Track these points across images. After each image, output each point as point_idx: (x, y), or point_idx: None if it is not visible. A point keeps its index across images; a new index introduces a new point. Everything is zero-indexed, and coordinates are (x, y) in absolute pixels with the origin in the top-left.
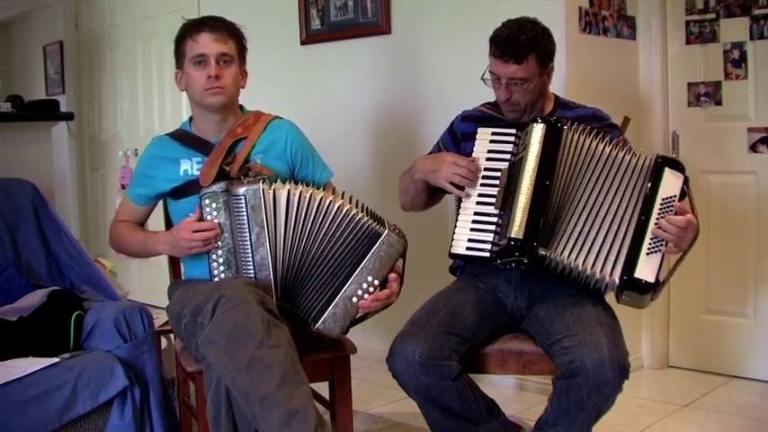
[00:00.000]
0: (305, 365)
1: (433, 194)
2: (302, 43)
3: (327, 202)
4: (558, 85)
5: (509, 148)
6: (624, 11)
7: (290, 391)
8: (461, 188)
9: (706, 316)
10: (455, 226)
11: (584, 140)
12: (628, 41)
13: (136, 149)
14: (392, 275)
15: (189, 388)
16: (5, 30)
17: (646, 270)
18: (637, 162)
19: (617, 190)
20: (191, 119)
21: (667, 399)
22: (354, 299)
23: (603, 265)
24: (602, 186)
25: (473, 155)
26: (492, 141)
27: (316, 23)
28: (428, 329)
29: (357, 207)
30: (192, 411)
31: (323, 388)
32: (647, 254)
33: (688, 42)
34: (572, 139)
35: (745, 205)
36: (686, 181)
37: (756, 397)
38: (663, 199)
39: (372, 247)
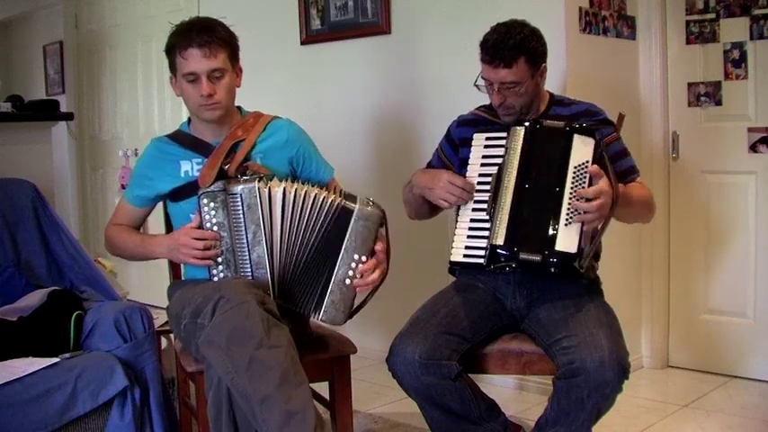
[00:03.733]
0: (305, 365)
1: (435, 206)
2: (302, 43)
3: (321, 198)
4: (557, 85)
5: (501, 152)
6: (624, 11)
7: (289, 392)
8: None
9: (706, 316)
10: (454, 233)
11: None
12: (628, 41)
13: (136, 149)
14: (378, 246)
15: (189, 388)
16: (5, 30)
17: (566, 241)
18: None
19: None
20: (189, 120)
21: (667, 399)
22: (348, 281)
23: (533, 245)
24: None
25: (469, 161)
26: (486, 146)
27: (316, 23)
28: (428, 329)
29: (334, 193)
30: (191, 411)
31: (323, 388)
32: (566, 224)
33: (688, 42)
34: (547, 139)
35: (745, 205)
36: (598, 146)
37: (756, 397)
38: (575, 167)
39: (349, 226)
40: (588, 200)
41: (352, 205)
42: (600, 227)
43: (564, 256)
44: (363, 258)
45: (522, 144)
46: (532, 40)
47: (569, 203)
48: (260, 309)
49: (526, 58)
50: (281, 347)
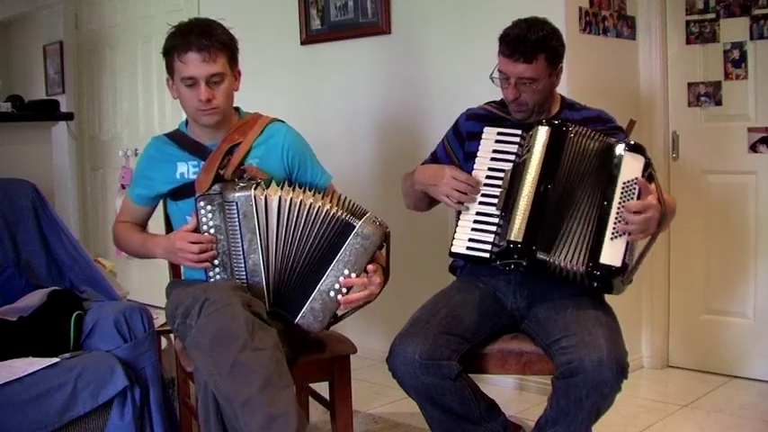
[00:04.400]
0: (304, 365)
1: (434, 199)
2: (302, 43)
3: (317, 206)
4: (558, 85)
5: (514, 149)
6: (624, 11)
7: (272, 395)
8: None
9: (706, 316)
10: (456, 225)
11: (588, 144)
12: (628, 41)
13: (136, 149)
14: (371, 267)
15: (189, 388)
16: (5, 30)
17: (611, 255)
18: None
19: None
20: (187, 120)
21: (667, 399)
22: (332, 293)
23: (574, 256)
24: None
25: (478, 154)
26: (497, 141)
27: (316, 23)
28: (428, 329)
29: (338, 204)
30: (191, 411)
31: (323, 388)
32: (612, 239)
33: (688, 42)
34: (576, 143)
35: (745, 205)
36: (648, 164)
37: (756, 397)
38: (624, 183)
39: (346, 240)
40: (635, 213)
41: (356, 221)
42: (647, 244)
43: (608, 269)
44: (353, 275)
45: (547, 144)
46: (553, 38)
47: (616, 217)
48: (245, 311)
49: (546, 55)
50: (265, 350)
